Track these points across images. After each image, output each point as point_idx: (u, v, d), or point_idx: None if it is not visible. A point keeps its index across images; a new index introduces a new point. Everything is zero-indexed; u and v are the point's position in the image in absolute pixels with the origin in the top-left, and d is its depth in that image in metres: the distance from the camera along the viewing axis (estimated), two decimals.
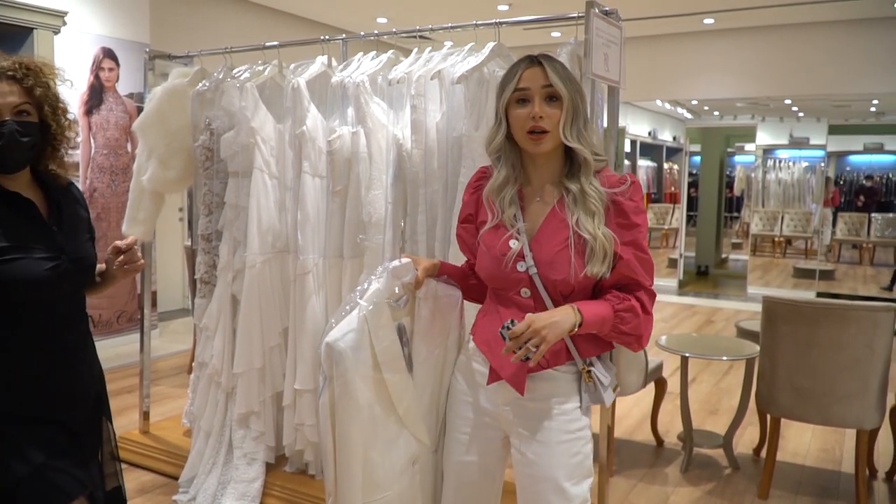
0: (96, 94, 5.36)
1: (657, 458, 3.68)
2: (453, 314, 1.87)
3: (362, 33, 2.92)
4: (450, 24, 2.70)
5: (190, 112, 3.21)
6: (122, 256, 1.78)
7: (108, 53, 5.40)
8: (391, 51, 2.85)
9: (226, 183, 3.12)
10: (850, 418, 3.08)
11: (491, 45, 2.59)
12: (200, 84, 3.19)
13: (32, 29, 4.87)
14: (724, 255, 10.88)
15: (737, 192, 12.97)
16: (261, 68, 3.12)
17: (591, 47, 2.31)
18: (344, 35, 2.99)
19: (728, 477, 3.47)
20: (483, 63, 2.54)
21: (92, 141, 5.35)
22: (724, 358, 3.52)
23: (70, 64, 5.16)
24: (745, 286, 8.69)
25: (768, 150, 11.41)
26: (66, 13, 5.02)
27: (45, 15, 4.90)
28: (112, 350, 5.37)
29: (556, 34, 7.83)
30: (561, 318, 1.53)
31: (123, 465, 3.38)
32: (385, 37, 2.94)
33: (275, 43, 3.12)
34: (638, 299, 1.62)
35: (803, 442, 3.91)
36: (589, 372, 1.66)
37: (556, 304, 1.63)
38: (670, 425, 4.01)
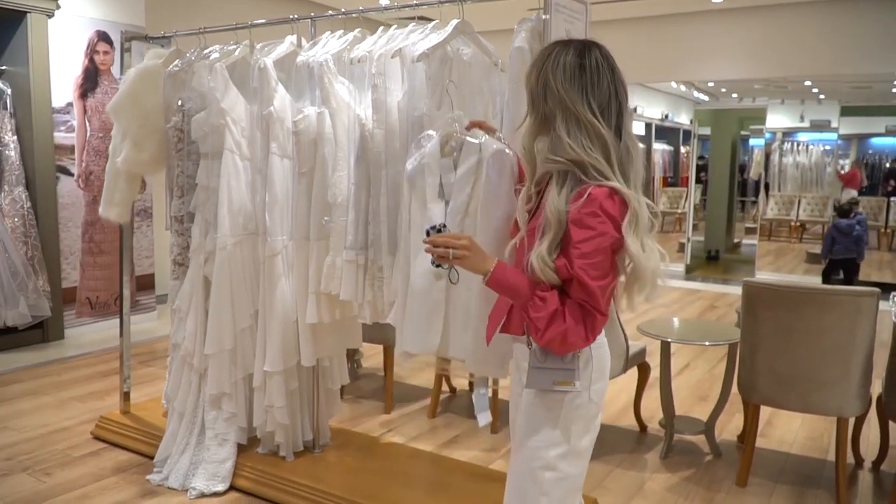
0: (91, 78, 5.38)
1: (638, 444, 3.64)
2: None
3: (330, 13, 2.87)
4: (415, 2, 2.65)
5: (163, 93, 3.19)
6: None
7: (103, 37, 5.41)
8: (358, 29, 2.80)
9: (198, 164, 3.11)
10: (831, 406, 3.01)
11: (454, 22, 2.53)
12: (173, 65, 3.18)
13: (26, 13, 4.89)
14: (736, 240, 10.71)
15: (753, 175, 12.75)
16: (232, 48, 3.09)
17: (550, 22, 2.25)
18: (312, 14, 2.94)
19: (708, 464, 3.41)
20: (445, 41, 2.49)
21: (87, 124, 5.38)
22: (707, 343, 3.45)
23: (65, 47, 5.20)
24: (754, 272, 8.55)
25: (787, 133, 11.19)
26: None
27: None
28: (109, 332, 5.42)
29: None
30: (482, 260, 1.62)
31: (103, 446, 3.46)
32: (361, 14, 2.88)
33: (246, 23, 3.10)
34: (564, 303, 1.55)
35: (791, 429, 3.83)
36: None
37: None
38: (657, 411, 3.94)
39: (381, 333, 3.89)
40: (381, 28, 2.71)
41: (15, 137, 4.99)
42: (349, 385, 4.35)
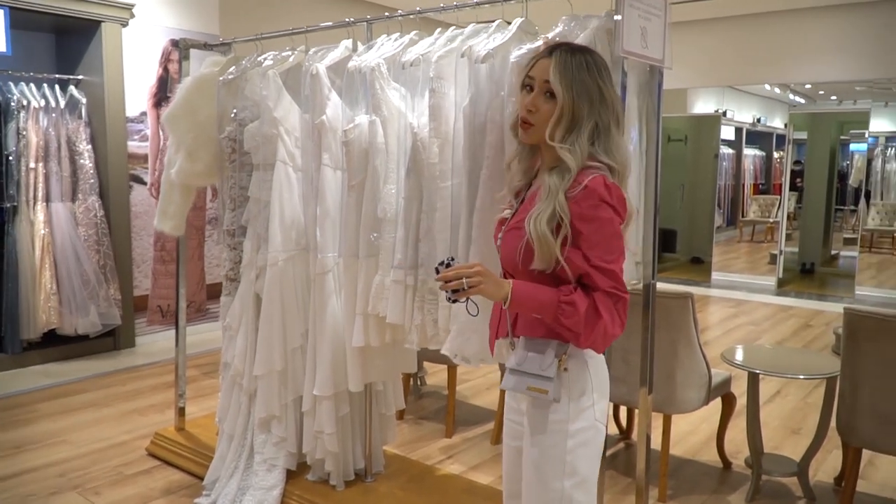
0: (165, 87, 5.41)
1: (721, 483, 3.30)
2: None
3: (386, 14, 2.70)
4: (475, 1, 2.45)
5: (217, 102, 3.09)
6: None
7: (177, 45, 5.42)
8: (414, 31, 2.61)
9: (251, 176, 2.99)
10: None
11: (518, 21, 2.32)
12: (227, 72, 3.07)
13: (100, 22, 4.94)
14: (834, 252, 10.01)
15: (853, 182, 11.96)
16: (287, 54, 2.96)
17: (623, 20, 2.00)
18: (368, 16, 2.77)
19: None
20: (510, 41, 2.27)
21: (161, 133, 5.40)
22: (801, 376, 3.09)
23: (139, 56, 5.24)
24: (854, 287, 7.91)
25: (891, 138, 10.45)
26: (133, 5, 5.07)
27: (112, 8, 4.97)
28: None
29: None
30: (497, 285, 1.57)
31: (157, 463, 3.39)
32: (420, 15, 2.70)
33: (302, 28, 2.96)
34: (592, 298, 1.55)
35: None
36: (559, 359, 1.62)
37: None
38: (743, 445, 3.59)
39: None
40: (439, 29, 2.51)
41: (90, 147, 5.05)
42: (411, 404, 4.18)
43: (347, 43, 2.81)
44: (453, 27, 2.50)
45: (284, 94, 2.86)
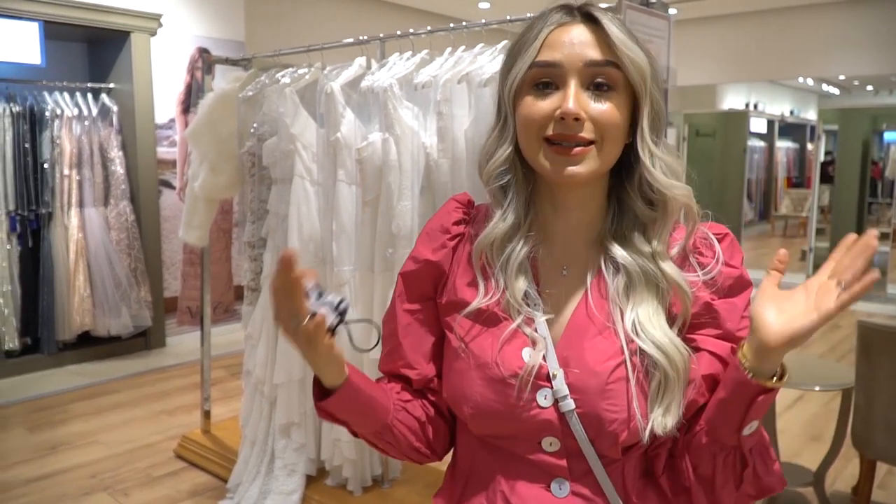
0: (193, 94, 5.53)
1: None
2: None
3: (399, 33, 2.75)
4: (464, 24, 2.49)
5: (237, 117, 3.18)
6: None
7: (205, 52, 5.54)
8: (425, 50, 2.66)
9: (271, 190, 3.07)
10: None
11: None
12: (247, 89, 3.15)
13: (129, 32, 5.06)
14: None
15: (890, 175, 11.72)
16: (304, 71, 3.03)
17: None
18: (381, 35, 2.83)
19: None
20: None
21: None
22: (816, 388, 3.07)
23: (167, 64, 5.36)
24: (885, 284, 7.77)
25: None
26: (160, 15, 5.18)
27: (141, 18, 5.08)
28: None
29: None
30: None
31: (184, 465, 3.51)
32: (430, 34, 2.74)
33: (318, 45, 3.02)
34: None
35: None
36: None
37: (609, 467, 0.94)
38: None
39: None
40: (448, 50, 2.56)
41: (121, 153, 5.19)
42: None
43: (361, 60, 2.86)
44: (462, 47, 2.55)
45: (301, 110, 2.93)
